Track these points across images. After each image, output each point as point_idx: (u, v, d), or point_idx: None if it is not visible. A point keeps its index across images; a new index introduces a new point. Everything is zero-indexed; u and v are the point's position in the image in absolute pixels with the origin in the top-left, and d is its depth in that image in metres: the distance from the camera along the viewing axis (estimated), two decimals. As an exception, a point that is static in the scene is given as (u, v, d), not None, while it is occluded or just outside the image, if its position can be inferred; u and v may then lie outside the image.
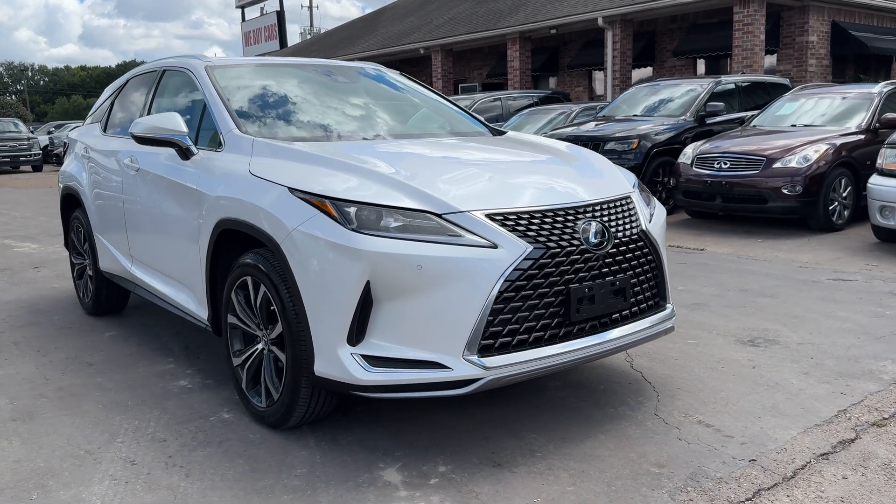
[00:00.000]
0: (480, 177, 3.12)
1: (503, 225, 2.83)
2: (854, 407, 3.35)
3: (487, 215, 2.84)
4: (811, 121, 9.36)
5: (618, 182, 3.41)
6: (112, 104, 5.20)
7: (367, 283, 2.73)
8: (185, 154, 3.73)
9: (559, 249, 2.87)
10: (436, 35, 22.93)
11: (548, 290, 2.84)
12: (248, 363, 3.36)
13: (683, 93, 11.10)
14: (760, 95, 11.86)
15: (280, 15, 37.22)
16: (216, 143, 3.70)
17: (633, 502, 2.58)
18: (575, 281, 2.91)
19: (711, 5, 16.15)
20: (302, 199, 2.93)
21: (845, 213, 8.47)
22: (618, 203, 3.21)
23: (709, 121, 10.61)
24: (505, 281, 2.73)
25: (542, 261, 2.81)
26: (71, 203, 5.65)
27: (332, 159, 3.19)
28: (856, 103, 9.29)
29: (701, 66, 18.84)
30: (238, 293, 3.36)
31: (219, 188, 3.41)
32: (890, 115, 8.88)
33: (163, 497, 2.71)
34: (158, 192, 3.99)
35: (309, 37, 49.81)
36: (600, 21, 17.46)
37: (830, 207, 8.29)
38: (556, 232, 2.90)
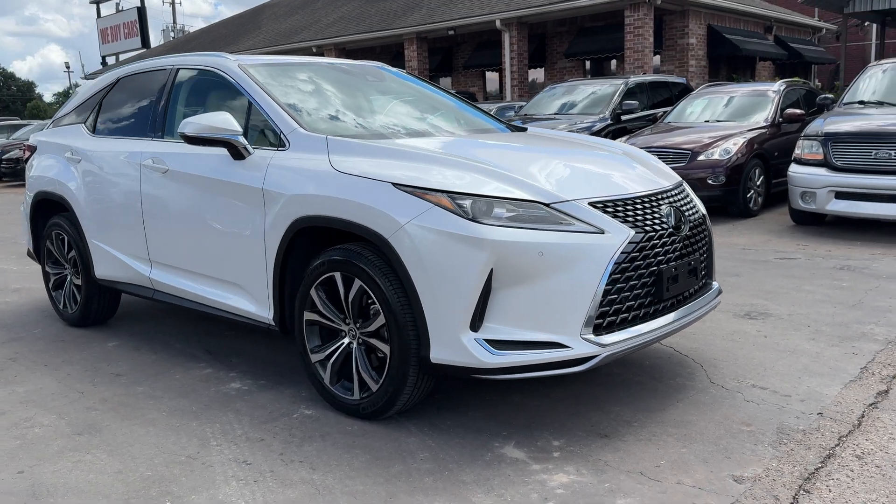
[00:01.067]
0: (564, 168, 3.33)
1: (605, 212, 3.06)
2: (871, 364, 3.83)
3: (590, 203, 3.06)
4: (721, 117, 10.19)
5: (668, 170, 3.73)
6: (100, 105, 4.97)
7: (491, 270, 2.87)
8: (239, 154, 3.69)
9: (654, 233, 3.13)
10: (327, 34, 22.79)
11: (644, 271, 3.09)
12: (333, 358, 3.40)
13: (599, 91, 11.73)
14: (661, 93, 12.73)
15: (141, 12, 35.55)
16: (274, 143, 3.68)
17: (746, 456, 2.87)
18: (664, 262, 3.18)
19: (604, 9, 17.05)
20: (411, 193, 3.02)
21: (759, 199, 9.31)
22: (681, 189, 3.52)
23: (624, 118, 11.29)
24: (615, 264, 2.96)
25: (641, 244, 3.06)
26: (47, 209, 5.34)
27: (422, 154, 3.29)
28: (759, 100, 10.20)
29: (591, 67, 19.82)
30: (319, 290, 3.39)
31: (294, 186, 3.42)
32: (791, 111, 9.84)
33: (304, 491, 2.74)
34: (200, 193, 3.91)
35: (173, 34, 47.87)
36: (498, 23, 18.02)
37: (748, 195, 9.09)
38: (649, 217, 3.16)
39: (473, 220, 2.91)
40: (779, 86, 10.38)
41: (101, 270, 4.79)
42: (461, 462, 2.91)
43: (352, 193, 3.18)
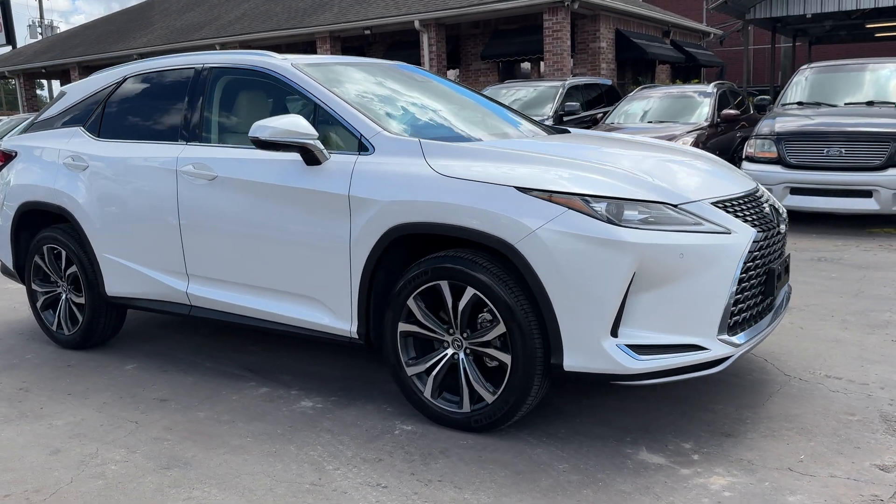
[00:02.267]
0: (669, 169, 3.34)
1: (727, 212, 3.09)
2: (916, 350, 4.08)
3: (713, 203, 3.08)
4: (662, 117, 10.59)
5: (738, 170, 3.83)
6: (103, 106, 4.55)
7: (633, 274, 2.84)
8: (314, 159, 3.47)
9: (768, 231, 3.19)
10: (231, 31, 21.97)
11: (760, 269, 3.15)
12: (435, 371, 3.26)
13: (540, 93, 11.91)
14: (592, 94, 13.09)
15: (5, 7, 33.16)
16: (351, 147, 3.50)
17: (872, 445, 2.98)
18: (772, 260, 3.26)
19: (523, 11, 17.33)
20: (539, 197, 2.94)
21: (706, 197, 9.73)
22: (761, 188, 3.62)
23: (566, 119, 11.51)
24: (743, 263, 3.00)
25: (760, 242, 3.11)
26: (35, 221, 4.84)
27: (529, 156, 3.22)
28: (695, 101, 10.68)
29: (503, 69, 20.10)
30: (419, 300, 3.25)
31: (390, 192, 3.25)
32: (728, 112, 10.35)
33: (466, 512, 2.61)
34: (263, 201, 3.65)
35: (41, 31, 44.72)
36: (417, 24, 17.95)
37: (697, 193, 9.49)
38: (758, 216, 3.22)
39: (610, 222, 2.87)
40: (712, 87, 10.90)
41: (115, 287, 4.39)
42: (607, 471, 2.86)
43: (467, 198, 3.06)
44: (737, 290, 2.99)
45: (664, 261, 2.86)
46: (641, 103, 11.08)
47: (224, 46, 21.73)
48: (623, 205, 2.93)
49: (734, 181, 3.45)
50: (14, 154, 4.94)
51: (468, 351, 3.21)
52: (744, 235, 3.03)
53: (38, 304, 4.85)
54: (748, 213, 3.18)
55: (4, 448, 3.32)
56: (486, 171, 3.12)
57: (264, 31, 20.96)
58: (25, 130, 5.08)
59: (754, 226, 3.12)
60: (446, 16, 17.91)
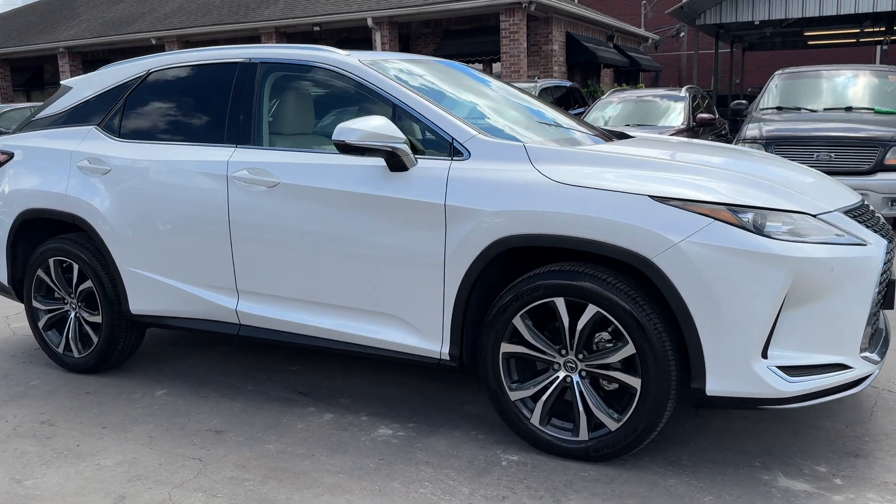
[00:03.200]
0: (787, 176, 3.18)
1: (858, 222, 2.94)
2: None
3: (844, 213, 2.93)
4: (638, 121, 10.58)
5: None
6: (124, 103, 4.08)
7: (787, 290, 2.66)
8: (400, 165, 3.16)
9: (891, 241, 3.07)
10: (169, 24, 21.04)
11: (884, 280, 3.03)
12: (545, 395, 3.01)
13: (512, 94, 11.74)
14: (558, 96, 13.04)
15: None
16: (438, 151, 3.21)
17: None
18: (890, 271, 3.14)
19: (480, 11, 17.19)
20: (680, 207, 2.72)
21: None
22: None
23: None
24: (879, 274, 2.86)
25: (888, 253, 2.99)
26: (38, 231, 4.34)
27: (650, 162, 3.02)
28: (669, 104, 10.73)
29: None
30: (526, 318, 2.99)
31: (496, 201, 2.97)
32: (703, 115, 10.44)
33: (634, 557, 2.37)
34: (338, 211, 3.30)
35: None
36: (370, 21, 17.58)
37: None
38: (877, 226, 3.10)
39: (759, 235, 2.68)
40: (685, 91, 10.98)
41: (142, 304, 3.95)
42: (744, 498, 2.67)
43: (593, 209, 2.81)
44: (875, 301, 2.86)
45: (816, 275, 2.69)
46: (616, 107, 11.06)
47: (160, 40, 20.80)
48: (767, 215, 2.74)
49: (843, 190, 3.33)
50: (9, 155, 4.40)
51: (584, 374, 2.97)
52: (877, 246, 2.90)
53: (41, 324, 4.33)
54: (870, 223, 3.05)
55: (57, 496, 2.88)
56: (608, 178, 2.88)
57: (204, 26, 20.15)
58: (20, 129, 4.54)
59: (882, 236, 3.00)
60: (401, 14, 17.60)
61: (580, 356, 2.95)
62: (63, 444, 3.34)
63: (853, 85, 9.31)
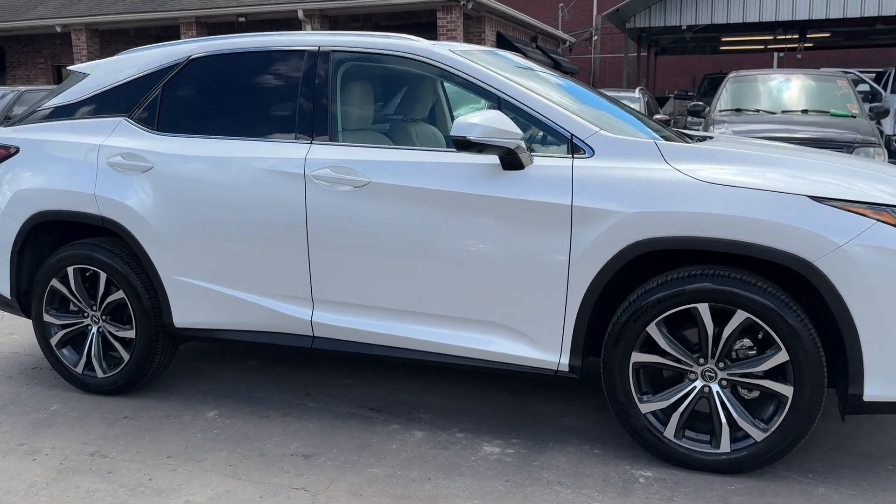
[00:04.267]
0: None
1: None
2: None
3: None
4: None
5: None
6: (161, 93, 3.65)
7: (946, 294, 2.62)
8: (516, 163, 2.94)
9: None
10: (76, 11, 19.66)
11: None
12: (682, 407, 2.87)
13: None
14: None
15: None
16: (556, 149, 3.02)
17: None
18: None
19: (416, 7, 16.94)
20: (842, 208, 2.64)
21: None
22: None
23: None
24: None
25: None
26: (52, 235, 3.84)
27: (789, 161, 2.93)
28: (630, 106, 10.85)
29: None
30: (661, 325, 2.84)
31: (632, 202, 2.80)
32: (659, 117, 10.63)
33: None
34: (440, 212, 3.05)
35: None
36: (300, 13, 17.00)
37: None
38: None
39: None
40: (639, 93, 11.16)
41: (189, 316, 3.54)
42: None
43: (747, 209, 2.69)
44: None
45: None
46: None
47: (66, 27, 19.42)
48: None
49: None
50: (12, 150, 3.87)
51: (724, 383, 2.84)
52: None
53: (54, 341, 3.83)
54: None
55: (161, 543, 2.50)
56: (757, 177, 2.77)
57: (116, 14, 18.95)
58: (20, 121, 4.01)
59: None
60: (334, 7, 17.12)
61: (720, 365, 2.83)
62: (132, 479, 2.93)
63: (805, 89, 9.69)
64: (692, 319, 2.84)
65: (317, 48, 3.43)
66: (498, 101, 3.13)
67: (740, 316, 2.74)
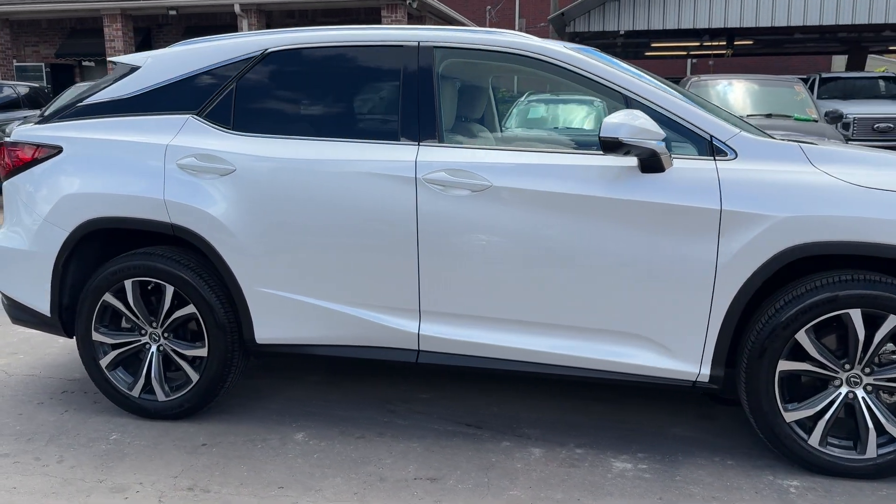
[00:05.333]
0: None
1: None
2: None
3: None
4: (569, 124, 10.71)
5: None
6: (235, 89, 3.33)
7: None
8: (657, 165, 2.83)
9: None
10: (-16, 0, 18.27)
11: None
12: (828, 414, 2.83)
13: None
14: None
15: None
16: (691, 150, 2.92)
17: None
18: None
19: (356, 4, 16.62)
20: None
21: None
22: None
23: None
24: None
25: None
26: (104, 245, 3.46)
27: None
28: (588, 109, 10.97)
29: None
30: (811, 333, 2.79)
31: (785, 206, 2.74)
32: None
33: None
34: (571, 218, 2.89)
35: None
36: (237, 7, 16.39)
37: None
38: None
39: None
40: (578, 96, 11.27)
41: (274, 331, 3.26)
42: None
43: None
44: None
45: None
46: (539, 110, 11.10)
47: (-26, 17, 18.03)
48: None
49: None
50: (54, 150, 3.46)
51: (869, 388, 2.82)
52: None
53: (104, 362, 3.44)
54: None
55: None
56: None
57: (32, 3, 17.74)
58: (58, 117, 3.59)
59: None
60: (269, 1, 16.57)
61: (866, 370, 2.80)
62: (256, 517, 2.64)
63: (765, 94, 10.03)
64: (834, 325, 2.81)
65: (416, 43, 3.21)
66: (626, 101, 3.00)
67: (893, 321, 2.72)
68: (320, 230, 3.15)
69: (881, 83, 16.03)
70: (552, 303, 2.99)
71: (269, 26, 18.28)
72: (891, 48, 23.81)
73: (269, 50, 3.36)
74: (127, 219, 3.31)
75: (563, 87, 3.26)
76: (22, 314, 3.57)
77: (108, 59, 16.40)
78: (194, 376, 3.36)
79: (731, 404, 3.51)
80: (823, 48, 24.36)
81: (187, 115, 3.35)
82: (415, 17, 18.01)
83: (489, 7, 28.62)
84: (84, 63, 20.11)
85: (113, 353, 3.43)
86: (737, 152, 2.88)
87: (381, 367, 4.01)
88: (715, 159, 2.88)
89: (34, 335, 4.64)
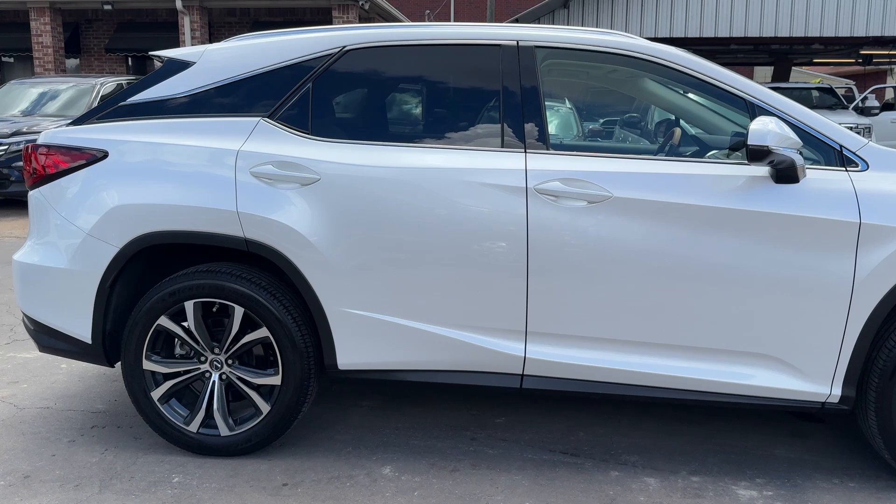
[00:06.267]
0: None
1: None
2: None
3: None
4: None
5: None
6: (311, 91, 3.00)
7: None
8: (792, 175, 2.68)
9: None
10: None
11: None
12: (960, 433, 2.75)
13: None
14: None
15: None
16: (819, 160, 2.79)
17: None
18: None
19: (305, 4, 16.14)
20: None
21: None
22: None
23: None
24: None
25: None
26: (157, 262, 3.07)
27: None
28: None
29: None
30: (939, 350, 2.71)
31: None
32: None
33: None
34: (703, 232, 2.72)
35: None
36: (179, 4, 15.63)
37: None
38: None
39: None
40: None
41: (359, 356, 2.95)
42: None
43: None
44: None
45: None
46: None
47: None
48: None
49: None
50: (99, 155, 3.05)
51: None
52: None
53: (157, 394, 3.05)
54: None
55: None
56: None
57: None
58: (96, 117, 3.17)
59: None
60: (215, -1, 15.91)
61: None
62: (384, 571, 2.34)
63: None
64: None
65: (515, 42, 2.97)
66: (749, 110, 2.85)
67: None
68: (416, 244, 2.86)
69: (814, 94, 16.70)
70: (675, 322, 2.80)
71: (210, 25, 17.57)
72: (815, 60, 24.95)
73: (348, 47, 3.05)
74: (191, 233, 2.94)
75: (658, 94, 3.08)
76: (55, 342, 3.14)
77: (56, 55, 15.37)
78: (265, 407, 3.01)
79: (817, 422, 3.42)
80: (752, 59, 25.30)
81: (258, 118, 3.01)
82: (363, 19, 17.64)
83: (427, 10, 28.43)
84: (3, 59, 18.87)
85: (167, 384, 3.05)
86: (867, 163, 2.77)
87: (434, 389, 3.74)
88: (847, 170, 2.76)
89: (30, 360, 4.17)
